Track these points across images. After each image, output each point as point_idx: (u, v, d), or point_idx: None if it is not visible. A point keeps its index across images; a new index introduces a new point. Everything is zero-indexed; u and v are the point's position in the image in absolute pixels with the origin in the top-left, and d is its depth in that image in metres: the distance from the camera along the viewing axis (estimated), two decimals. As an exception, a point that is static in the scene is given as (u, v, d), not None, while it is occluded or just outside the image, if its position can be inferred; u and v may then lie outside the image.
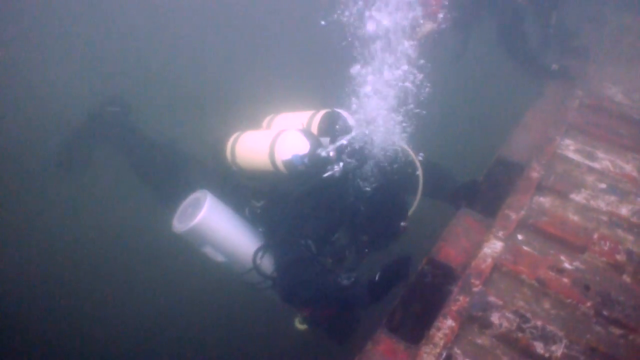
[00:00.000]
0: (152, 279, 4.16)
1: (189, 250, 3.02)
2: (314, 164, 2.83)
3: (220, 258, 2.96)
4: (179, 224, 2.91)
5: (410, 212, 3.05)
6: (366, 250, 3.00)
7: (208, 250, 2.94)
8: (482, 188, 3.53)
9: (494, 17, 4.86)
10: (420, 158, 3.12)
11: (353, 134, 3.00)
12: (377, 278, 2.79)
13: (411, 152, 3.14)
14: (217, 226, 2.87)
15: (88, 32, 5.94)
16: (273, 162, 2.95)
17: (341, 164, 2.82)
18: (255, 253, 2.87)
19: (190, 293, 4.11)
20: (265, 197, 3.08)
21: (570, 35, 5.14)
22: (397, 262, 2.84)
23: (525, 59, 4.80)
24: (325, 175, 2.79)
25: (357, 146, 2.94)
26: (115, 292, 4.17)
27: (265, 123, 3.49)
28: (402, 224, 2.91)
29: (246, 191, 3.22)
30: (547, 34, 5.02)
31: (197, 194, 2.99)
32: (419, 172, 3.10)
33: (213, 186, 3.29)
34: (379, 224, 2.90)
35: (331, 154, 2.83)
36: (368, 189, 2.90)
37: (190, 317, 4.06)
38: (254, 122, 3.57)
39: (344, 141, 2.92)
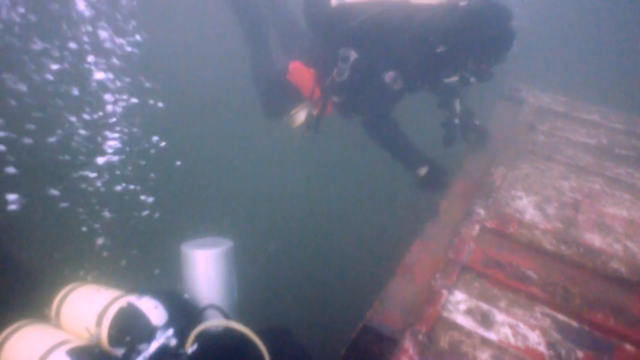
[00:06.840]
0: None
1: None
2: None
3: None
4: None
5: None
6: None
7: None
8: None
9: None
10: None
11: (163, 340, 2.23)
12: None
13: (255, 338, 2.37)
14: None
15: None
16: None
17: None
18: None
19: None
20: None
21: (471, 112, 4.35)
22: None
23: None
24: None
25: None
26: None
27: (53, 309, 2.67)
28: None
29: None
30: (452, 125, 4.22)
31: None
32: None
33: None
34: None
35: None
36: None
37: None
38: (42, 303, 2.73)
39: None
